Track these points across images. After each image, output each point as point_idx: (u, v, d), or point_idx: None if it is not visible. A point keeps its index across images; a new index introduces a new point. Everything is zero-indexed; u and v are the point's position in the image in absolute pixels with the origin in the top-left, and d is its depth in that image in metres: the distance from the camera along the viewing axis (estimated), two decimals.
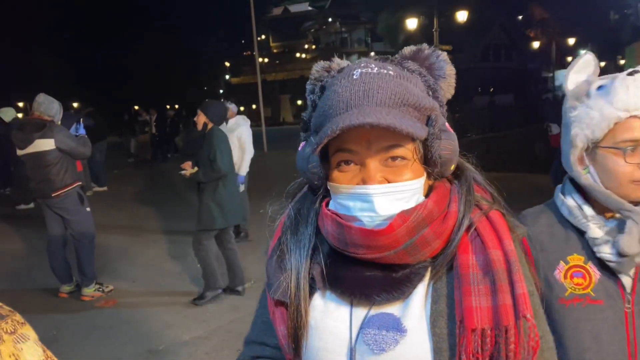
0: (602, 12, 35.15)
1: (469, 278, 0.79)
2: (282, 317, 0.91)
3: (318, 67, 0.92)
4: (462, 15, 22.08)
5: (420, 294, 0.83)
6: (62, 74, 24.19)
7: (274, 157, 14.99)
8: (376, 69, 0.81)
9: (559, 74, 46.57)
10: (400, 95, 0.78)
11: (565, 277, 1.24)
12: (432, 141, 0.81)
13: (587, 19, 33.42)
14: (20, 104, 26.12)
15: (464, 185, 0.88)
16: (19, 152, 4.74)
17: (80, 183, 4.99)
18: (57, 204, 4.80)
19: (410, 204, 0.81)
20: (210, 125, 4.57)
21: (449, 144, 0.84)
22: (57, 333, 4.28)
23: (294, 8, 52.59)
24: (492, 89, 36.28)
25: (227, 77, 46.38)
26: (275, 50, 51.57)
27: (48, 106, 4.78)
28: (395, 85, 0.79)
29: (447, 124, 0.87)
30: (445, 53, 0.90)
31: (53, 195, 4.73)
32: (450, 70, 0.89)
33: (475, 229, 0.84)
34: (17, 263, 6.21)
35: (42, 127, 4.65)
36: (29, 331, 0.90)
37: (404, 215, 0.79)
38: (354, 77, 0.80)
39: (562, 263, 1.25)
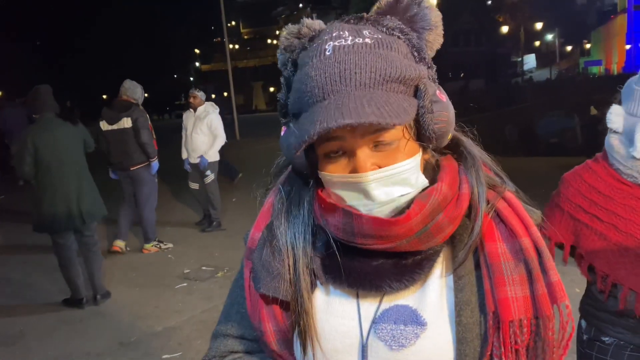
0: None
1: (501, 267, 0.75)
2: (272, 314, 0.84)
3: (287, 33, 0.82)
4: (431, 0, 22.16)
5: (437, 283, 0.79)
6: (27, 62, 23.49)
7: (246, 145, 14.88)
8: (350, 38, 0.73)
9: (528, 58, 47.37)
10: (381, 70, 0.70)
11: None
12: (423, 115, 0.74)
13: (555, 3, 33.95)
14: None
15: (471, 163, 0.82)
16: (105, 128, 5.52)
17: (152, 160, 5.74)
18: (133, 176, 5.65)
19: (410, 185, 0.75)
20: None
21: (442, 116, 0.76)
22: (24, 328, 4.15)
23: None
24: (462, 74, 36.66)
25: (197, 64, 45.68)
26: (246, 37, 51.00)
27: (133, 90, 5.58)
28: (374, 60, 0.71)
29: (439, 91, 0.77)
30: None
31: (131, 168, 5.60)
32: (435, 18, 0.79)
33: (496, 213, 0.79)
34: None
35: (128, 108, 5.47)
36: None
37: (421, 202, 0.73)
38: (327, 53, 0.73)
39: None
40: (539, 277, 0.75)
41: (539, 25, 37.93)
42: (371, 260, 0.78)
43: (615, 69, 35.27)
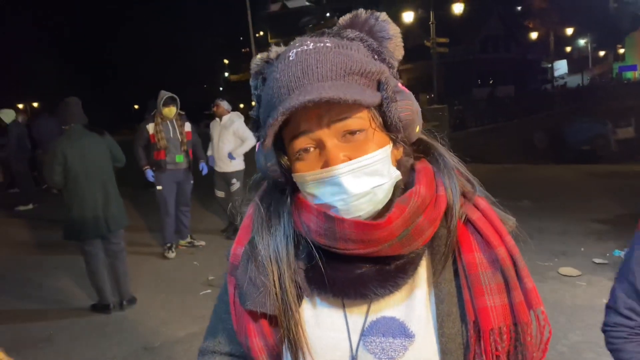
0: (602, 1, 34.97)
1: (479, 277, 0.77)
2: (260, 330, 0.83)
3: (257, 60, 0.85)
4: (458, 7, 21.98)
5: (422, 295, 0.79)
6: (61, 75, 24.20)
7: None
8: (312, 44, 0.76)
9: (559, 63, 46.45)
10: (342, 64, 0.73)
11: None
12: (387, 105, 0.76)
13: (587, 8, 33.25)
14: (20, 106, 26.13)
15: (442, 165, 0.83)
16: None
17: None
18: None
19: (383, 176, 0.75)
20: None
21: (406, 105, 0.78)
22: (53, 332, 4.27)
23: (292, 3, 52.43)
24: (491, 81, 36.17)
25: (226, 74, 46.32)
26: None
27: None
28: (334, 56, 0.74)
29: (400, 84, 0.80)
30: (384, 13, 0.83)
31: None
32: (394, 30, 0.82)
33: (470, 222, 0.80)
34: (13, 263, 6.20)
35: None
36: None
37: (401, 205, 0.74)
38: (290, 58, 0.75)
39: None
40: (516, 285, 0.77)
41: (569, 31, 37.18)
42: (354, 268, 0.78)
43: None
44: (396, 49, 0.82)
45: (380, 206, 0.76)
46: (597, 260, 4.80)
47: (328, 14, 47.48)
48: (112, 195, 4.49)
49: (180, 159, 5.99)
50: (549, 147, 15.56)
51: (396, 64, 0.83)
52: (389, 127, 0.77)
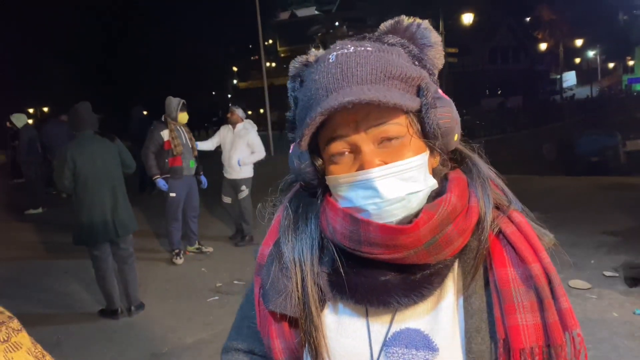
0: (611, 13, 34.87)
1: (511, 294, 0.74)
2: (281, 331, 0.83)
3: (295, 62, 0.85)
4: (468, 18, 22.01)
5: (449, 307, 0.77)
6: (71, 80, 24.37)
7: (281, 161, 14.98)
8: (352, 47, 0.75)
9: (568, 75, 46.32)
10: (382, 68, 0.72)
11: None
12: (426, 111, 0.74)
13: (596, 19, 33.16)
14: (31, 110, 26.34)
15: (476, 176, 0.82)
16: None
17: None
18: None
19: (419, 183, 0.74)
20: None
21: (446, 112, 0.76)
22: (61, 337, 4.28)
23: (301, 12, 52.74)
24: (500, 91, 36.10)
25: (235, 81, 46.50)
26: (282, 55, 51.68)
27: (167, 107, 5.88)
28: (375, 60, 0.73)
29: (440, 90, 0.80)
30: (426, 21, 0.82)
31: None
32: (435, 38, 0.81)
33: (503, 235, 0.78)
34: (23, 268, 6.23)
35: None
36: (23, 339, 0.87)
37: (429, 211, 0.73)
38: (330, 60, 0.75)
39: None
40: (550, 305, 0.74)
41: (579, 42, 37.08)
42: (379, 275, 0.77)
43: None
44: (437, 56, 0.82)
45: (412, 212, 0.75)
46: (607, 273, 4.76)
47: (337, 23, 47.67)
48: (121, 201, 4.51)
49: (192, 164, 6.05)
50: (558, 158, 15.49)
51: (436, 72, 0.82)
52: (427, 134, 0.76)
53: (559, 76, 40.91)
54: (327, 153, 0.78)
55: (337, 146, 0.75)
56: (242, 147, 6.46)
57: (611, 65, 48.90)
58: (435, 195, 0.78)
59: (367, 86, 0.71)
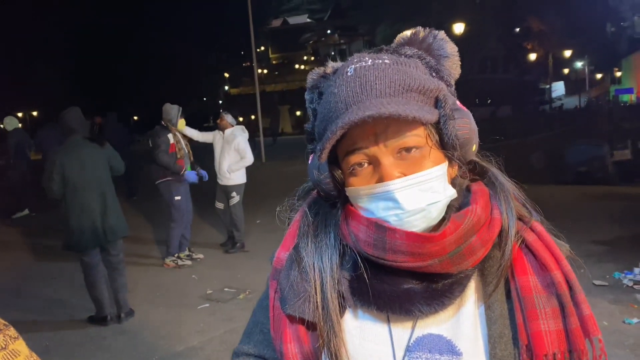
0: (599, 24, 35.37)
1: (533, 301, 0.75)
2: (297, 335, 0.83)
3: (313, 74, 0.86)
4: (458, 27, 22.22)
5: (470, 313, 0.78)
6: (63, 85, 24.25)
7: (272, 167, 14.99)
8: (370, 60, 0.77)
9: (556, 85, 46.84)
10: (400, 81, 0.73)
11: None
12: (445, 123, 0.75)
13: (584, 31, 33.62)
14: (20, 114, 26.14)
15: (498, 189, 0.83)
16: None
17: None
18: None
19: (438, 193, 0.75)
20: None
21: (464, 123, 0.78)
22: (49, 344, 4.23)
23: (293, 20, 52.93)
24: (489, 101, 36.41)
25: (227, 88, 46.53)
26: (274, 62, 51.79)
27: (166, 112, 6.02)
28: (393, 73, 0.74)
29: (458, 102, 0.81)
30: (442, 32, 0.83)
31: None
32: (451, 49, 0.83)
33: (525, 244, 0.79)
34: (12, 273, 6.16)
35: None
36: (20, 346, 0.87)
37: (456, 221, 0.74)
38: (349, 73, 0.76)
39: None
40: (572, 311, 0.75)
41: (567, 53, 37.54)
42: (401, 283, 0.78)
43: None
44: (454, 67, 0.83)
45: (433, 223, 0.76)
46: (596, 282, 4.80)
47: (329, 31, 47.91)
48: (110, 206, 4.48)
49: (189, 169, 6.15)
50: (546, 167, 15.63)
51: (454, 82, 0.84)
52: (446, 145, 0.77)
53: (548, 86, 41.40)
54: (346, 164, 0.79)
55: (356, 158, 0.77)
56: (230, 152, 6.48)
57: (599, 76, 49.53)
58: (458, 207, 0.79)
59: (386, 99, 0.72)
